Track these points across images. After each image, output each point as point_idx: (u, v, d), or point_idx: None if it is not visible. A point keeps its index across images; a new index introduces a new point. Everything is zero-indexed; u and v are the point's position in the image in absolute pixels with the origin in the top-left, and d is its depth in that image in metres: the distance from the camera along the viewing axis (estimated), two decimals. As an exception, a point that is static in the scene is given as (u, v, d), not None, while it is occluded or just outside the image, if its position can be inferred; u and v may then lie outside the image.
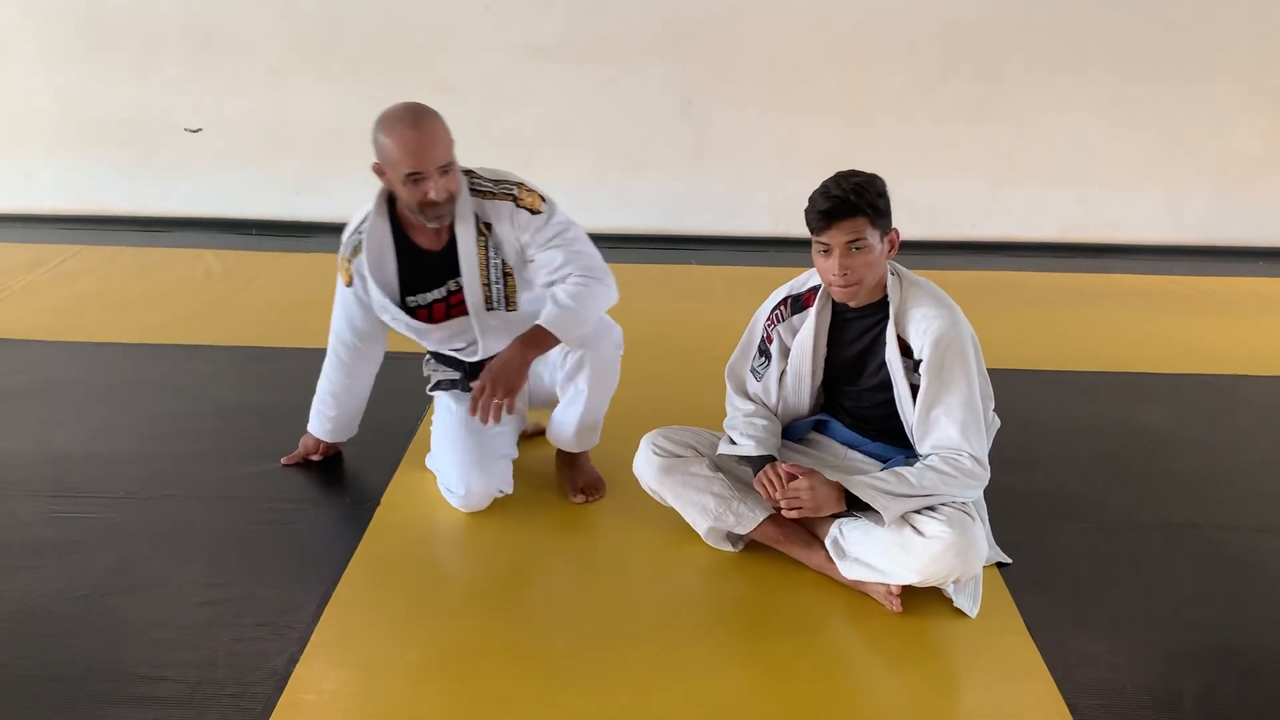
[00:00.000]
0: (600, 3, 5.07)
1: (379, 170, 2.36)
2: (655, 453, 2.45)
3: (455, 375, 2.73)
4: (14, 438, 2.96)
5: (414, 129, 2.26)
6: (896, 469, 2.20)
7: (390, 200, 2.47)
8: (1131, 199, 5.32)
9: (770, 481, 2.25)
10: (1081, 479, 2.87)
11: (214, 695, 1.93)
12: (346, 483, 2.74)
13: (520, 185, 2.45)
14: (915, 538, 2.12)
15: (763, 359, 2.43)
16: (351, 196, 5.23)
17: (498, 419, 2.41)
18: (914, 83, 5.15)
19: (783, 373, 2.40)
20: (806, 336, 2.34)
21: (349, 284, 2.54)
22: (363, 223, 2.48)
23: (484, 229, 2.44)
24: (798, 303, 2.37)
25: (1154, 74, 5.09)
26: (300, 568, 2.35)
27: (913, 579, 2.15)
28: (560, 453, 2.77)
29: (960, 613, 2.20)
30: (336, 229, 5.11)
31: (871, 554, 2.19)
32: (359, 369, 2.71)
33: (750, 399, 2.47)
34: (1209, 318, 4.33)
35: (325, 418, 2.77)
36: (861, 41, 5.10)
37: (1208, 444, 3.12)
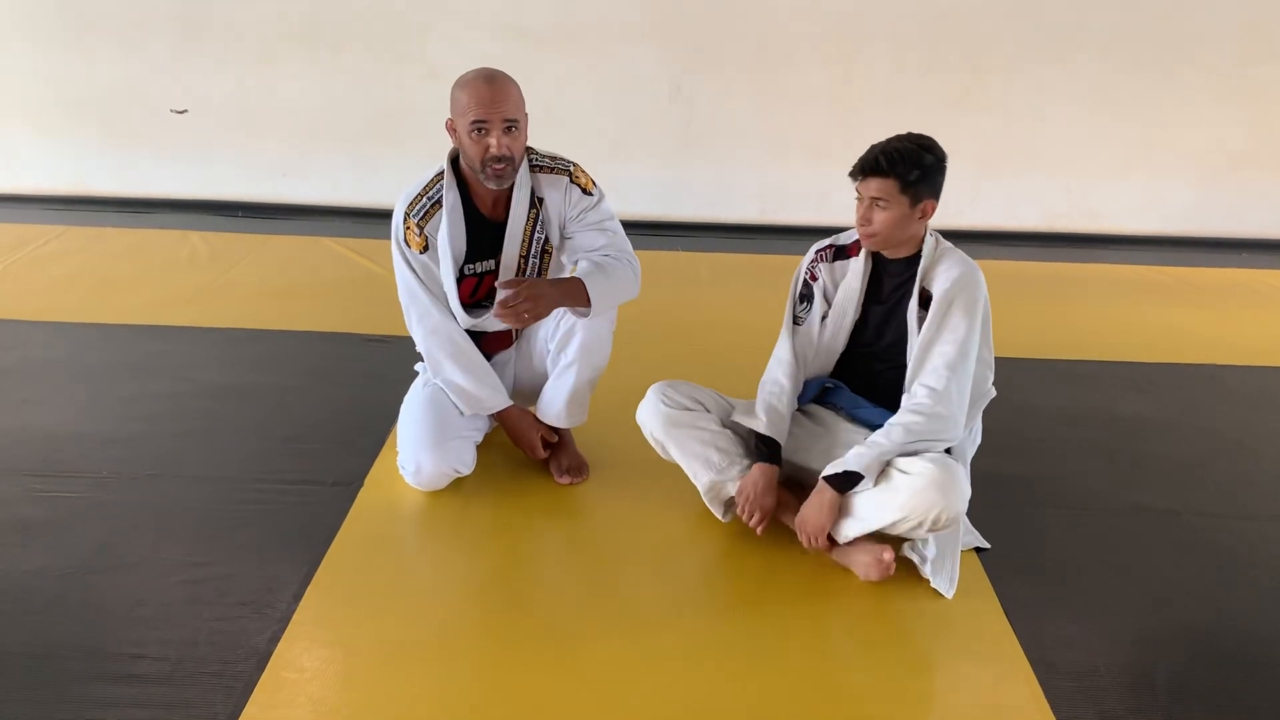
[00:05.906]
0: (589, -13, 5.07)
1: (450, 127, 2.42)
2: (664, 403, 2.47)
3: None
4: (-3, 417, 2.96)
5: (487, 82, 2.37)
6: (866, 441, 2.25)
7: (455, 167, 2.49)
8: (1115, 189, 5.35)
9: (750, 511, 2.34)
10: (1062, 465, 2.90)
11: (195, 673, 1.94)
12: (330, 464, 2.74)
13: (575, 165, 2.56)
14: (898, 474, 2.19)
15: (805, 304, 2.47)
16: (337, 179, 5.34)
17: (518, 321, 2.40)
18: (900, 72, 5.15)
19: (824, 315, 2.44)
20: (855, 278, 2.40)
21: (423, 249, 2.50)
22: (432, 186, 2.50)
23: (536, 202, 2.52)
24: (841, 251, 2.45)
25: (1138, 65, 5.11)
26: (283, 548, 2.35)
27: (895, 515, 2.18)
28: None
29: (938, 596, 2.23)
30: (322, 211, 5.25)
31: (859, 503, 2.23)
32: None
33: (784, 376, 2.44)
34: (1191, 308, 4.36)
35: (487, 386, 2.62)
36: (849, 29, 5.10)
37: (1188, 432, 3.15)
